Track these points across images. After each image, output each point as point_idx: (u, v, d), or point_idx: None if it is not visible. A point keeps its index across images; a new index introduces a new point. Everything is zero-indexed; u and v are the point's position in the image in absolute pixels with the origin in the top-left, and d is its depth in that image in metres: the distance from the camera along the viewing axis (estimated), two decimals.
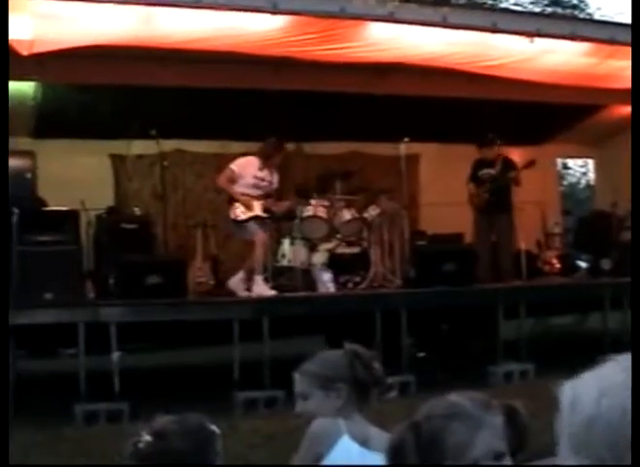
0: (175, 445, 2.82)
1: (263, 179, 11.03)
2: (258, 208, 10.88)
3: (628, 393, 1.59)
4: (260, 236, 10.87)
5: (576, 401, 1.66)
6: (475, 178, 12.93)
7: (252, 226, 10.85)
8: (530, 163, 12.58)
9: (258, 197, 10.93)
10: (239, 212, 10.81)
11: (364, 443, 3.31)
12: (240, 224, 10.89)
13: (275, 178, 11.21)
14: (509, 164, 12.76)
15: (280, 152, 11.18)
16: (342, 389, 3.42)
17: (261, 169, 11.01)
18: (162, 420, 2.95)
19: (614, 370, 1.66)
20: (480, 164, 12.95)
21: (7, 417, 4.44)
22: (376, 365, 3.45)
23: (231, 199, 10.93)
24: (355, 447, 3.29)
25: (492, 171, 12.72)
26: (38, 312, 9.37)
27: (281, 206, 11.52)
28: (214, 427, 2.95)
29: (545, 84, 11.87)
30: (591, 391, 1.64)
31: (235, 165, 10.96)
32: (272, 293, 10.76)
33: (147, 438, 2.85)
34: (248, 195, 10.87)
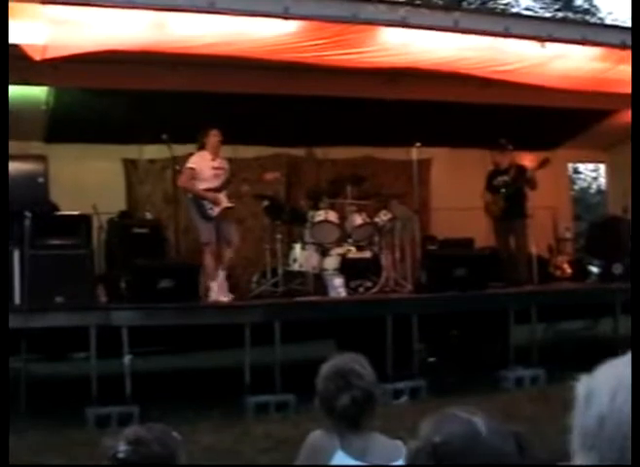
0: (155, 450, 2.86)
1: (218, 168, 11.24)
2: (224, 200, 11.13)
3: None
4: (213, 240, 11.05)
5: (589, 398, 1.64)
6: (490, 187, 12.90)
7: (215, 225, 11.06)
8: (544, 162, 12.54)
9: (220, 189, 11.13)
10: (208, 209, 10.98)
11: (361, 455, 3.32)
12: (210, 220, 10.99)
13: (225, 164, 11.42)
14: (522, 171, 12.74)
15: (219, 138, 11.30)
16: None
17: (213, 160, 11.23)
18: (133, 429, 2.99)
19: (627, 368, 1.65)
20: (494, 174, 12.94)
21: (7, 418, 4.45)
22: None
23: (198, 198, 11.05)
24: (350, 462, 3.30)
25: (506, 178, 12.70)
26: (50, 316, 9.41)
27: (272, 176, 11.88)
28: (177, 434, 2.99)
29: (556, 89, 11.84)
30: (605, 388, 1.63)
31: (193, 163, 11.13)
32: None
33: (125, 447, 2.87)
34: (211, 189, 11.07)
